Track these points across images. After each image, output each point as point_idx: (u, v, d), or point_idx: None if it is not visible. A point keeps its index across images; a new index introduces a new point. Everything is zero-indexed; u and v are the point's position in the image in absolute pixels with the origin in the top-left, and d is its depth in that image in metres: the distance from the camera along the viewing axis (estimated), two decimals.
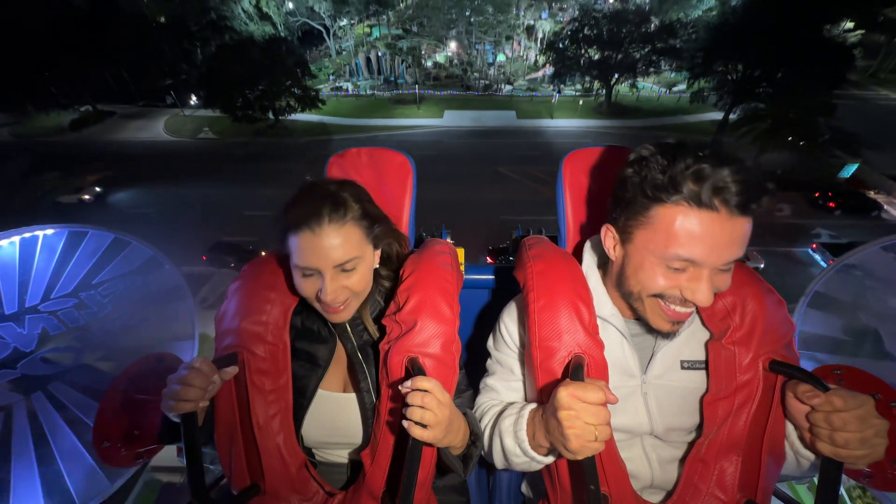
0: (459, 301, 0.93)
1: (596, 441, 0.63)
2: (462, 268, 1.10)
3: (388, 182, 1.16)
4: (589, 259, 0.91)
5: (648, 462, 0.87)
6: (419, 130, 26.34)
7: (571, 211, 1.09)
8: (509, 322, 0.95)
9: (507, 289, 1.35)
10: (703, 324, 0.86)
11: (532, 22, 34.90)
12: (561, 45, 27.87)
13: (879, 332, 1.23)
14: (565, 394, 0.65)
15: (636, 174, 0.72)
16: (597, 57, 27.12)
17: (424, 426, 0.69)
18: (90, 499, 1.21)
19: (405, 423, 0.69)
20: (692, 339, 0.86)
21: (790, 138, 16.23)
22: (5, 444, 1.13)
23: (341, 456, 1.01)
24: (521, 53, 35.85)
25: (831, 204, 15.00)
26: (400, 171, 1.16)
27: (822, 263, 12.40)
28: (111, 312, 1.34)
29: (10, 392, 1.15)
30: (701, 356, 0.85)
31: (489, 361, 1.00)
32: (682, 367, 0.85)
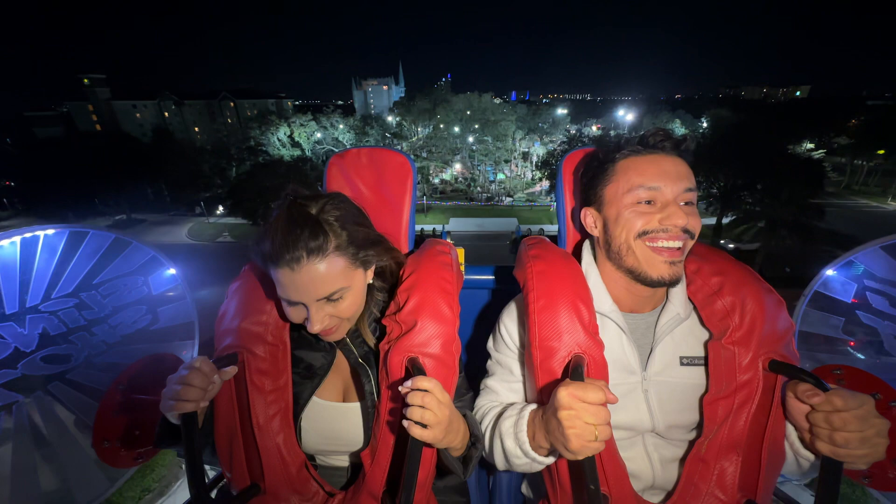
0: (459, 301, 0.93)
1: (596, 441, 0.63)
2: (462, 268, 1.10)
3: (388, 182, 1.16)
4: (588, 257, 0.93)
5: (650, 461, 0.87)
6: (425, 234, 28.60)
7: (572, 211, 1.09)
8: (509, 323, 0.95)
9: (507, 289, 1.35)
10: (702, 323, 0.86)
11: (527, 149, 40.18)
12: (553, 163, 31.05)
13: (879, 332, 1.23)
14: (565, 394, 0.65)
15: (593, 157, 0.92)
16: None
17: (424, 426, 0.69)
18: (90, 499, 1.21)
19: (405, 423, 0.69)
20: (690, 336, 0.87)
21: (787, 240, 17.99)
22: (5, 444, 1.13)
23: (341, 460, 1.01)
24: (519, 173, 40.77)
25: None
26: (400, 171, 1.16)
27: None
28: (111, 312, 1.34)
29: (10, 392, 1.15)
30: (700, 353, 0.85)
31: (489, 362, 1.00)
32: (682, 364, 0.85)
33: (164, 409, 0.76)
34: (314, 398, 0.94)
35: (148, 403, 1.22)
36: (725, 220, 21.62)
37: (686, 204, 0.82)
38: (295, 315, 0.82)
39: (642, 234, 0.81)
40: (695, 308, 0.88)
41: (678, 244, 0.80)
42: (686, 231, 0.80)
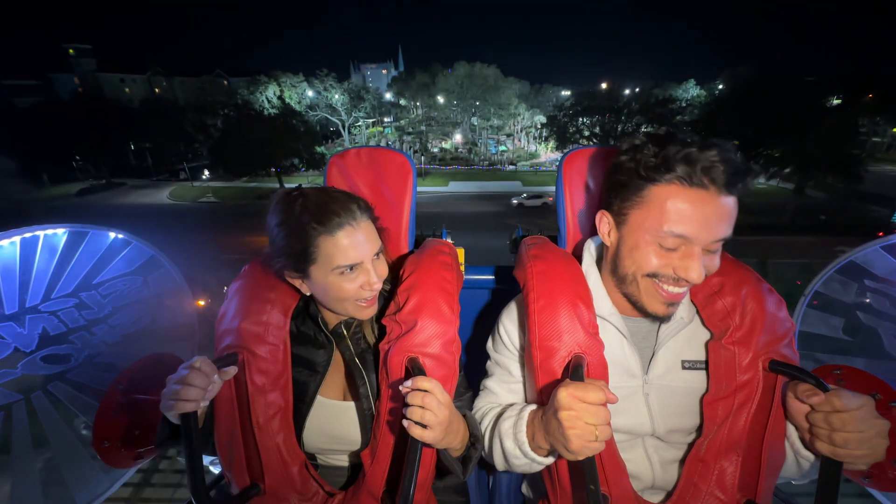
0: (459, 301, 0.93)
1: (596, 441, 0.63)
2: (462, 268, 1.10)
3: (388, 182, 1.16)
4: (588, 258, 0.92)
5: (650, 463, 0.87)
6: (423, 195, 27.52)
7: (571, 211, 1.09)
8: (508, 324, 0.95)
9: (507, 289, 1.35)
10: (704, 324, 0.86)
11: (529, 123, 38.69)
12: (561, 117, 29.94)
13: (879, 332, 1.23)
14: (565, 394, 0.65)
15: (630, 159, 0.77)
16: (597, 129, 29.18)
17: (424, 426, 0.69)
18: (90, 499, 1.21)
19: (405, 423, 0.69)
20: (693, 340, 0.86)
21: (829, 178, 17.24)
22: (5, 443, 1.13)
23: (341, 459, 1.01)
24: (522, 146, 39.24)
25: None
26: (400, 171, 1.16)
27: None
28: (111, 312, 1.34)
29: (10, 392, 1.15)
30: (702, 356, 0.85)
31: (488, 363, 1.00)
32: (684, 367, 0.85)
33: (164, 408, 0.76)
34: (318, 396, 0.94)
35: (148, 403, 1.22)
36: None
37: (712, 252, 0.75)
38: (351, 284, 0.85)
39: (651, 276, 0.77)
40: (696, 309, 0.88)
41: (684, 290, 0.77)
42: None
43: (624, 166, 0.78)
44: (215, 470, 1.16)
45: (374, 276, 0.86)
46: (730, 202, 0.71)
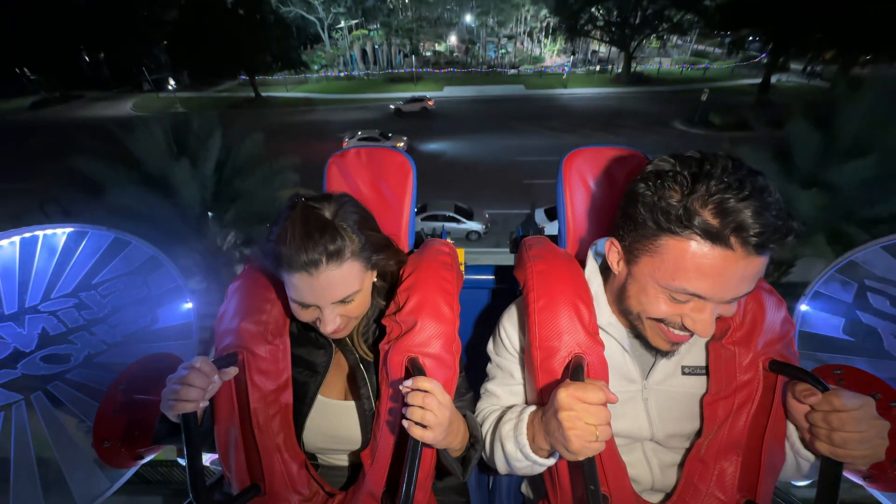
0: (459, 301, 0.93)
1: (597, 441, 0.63)
2: (462, 268, 1.10)
3: (388, 182, 1.16)
4: (592, 264, 0.89)
5: (649, 466, 0.87)
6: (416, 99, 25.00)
7: (571, 211, 1.08)
8: (509, 327, 0.94)
9: (507, 289, 1.35)
10: None
11: (535, 24, 34.54)
12: (571, 2, 25.60)
13: (879, 332, 1.23)
14: (565, 395, 0.65)
15: (651, 193, 0.66)
16: (615, 17, 25.37)
17: (424, 426, 0.69)
18: (90, 499, 1.21)
19: (405, 423, 0.69)
20: (693, 345, 0.85)
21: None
22: (5, 444, 1.13)
23: (342, 459, 1.01)
24: (526, 49, 35.36)
25: None
26: (400, 170, 1.16)
27: None
28: (111, 312, 1.34)
29: (10, 392, 1.15)
30: (702, 362, 0.84)
31: (489, 366, 1.00)
32: (683, 373, 0.84)
33: (164, 408, 0.76)
34: (318, 395, 0.94)
35: (148, 403, 1.22)
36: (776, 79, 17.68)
37: (729, 303, 0.68)
38: (306, 316, 0.82)
39: (658, 320, 0.73)
40: None
41: (689, 334, 0.73)
42: None
43: (640, 201, 0.67)
44: (215, 470, 1.16)
45: (326, 321, 0.79)
46: (757, 262, 0.61)
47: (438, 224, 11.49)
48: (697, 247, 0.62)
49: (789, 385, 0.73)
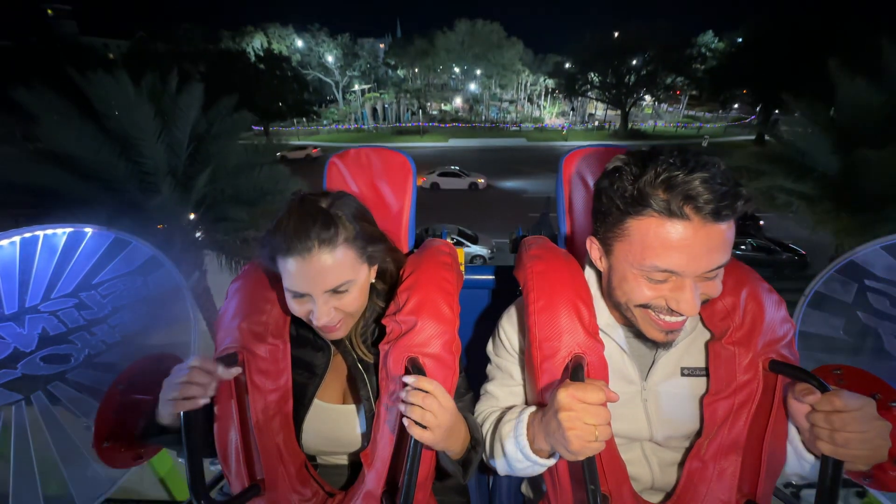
0: (459, 301, 0.93)
1: (596, 441, 0.63)
2: (462, 268, 1.10)
3: (388, 182, 1.16)
4: (590, 267, 0.90)
5: (649, 465, 0.87)
6: (422, 150, 26.60)
7: (571, 211, 1.09)
8: (509, 328, 0.94)
9: (507, 289, 1.35)
10: (705, 325, 0.86)
11: (534, 85, 36.90)
12: (569, 67, 27.96)
13: (879, 332, 1.23)
14: (565, 395, 0.65)
15: (610, 186, 0.72)
16: (609, 79, 27.41)
17: (424, 427, 0.69)
18: (90, 499, 1.21)
19: (405, 422, 0.69)
20: (693, 346, 0.85)
21: None
22: (5, 444, 1.13)
23: (341, 459, 1.01)
24: (526, 113, 37.90)
25: None
26: (400, 171, 1.16)
27: None
28: (111, 312, 1.34)
29: (10, 392, 1.15)
30: (702, 363, 0.84)
31: (489, 367, 1.00)
32: (683, 374, 0.84)
33: (163, 408, 0.76)
34: (315, 400, 0.94)
35: (148, 403, 1.21)
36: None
37: (709, 278, 0.70)
38: (299, 308, 0.82)
39: (644, 306, 0.74)
40: (700, 316, 0.87)
41: (682, 318, 0.73)
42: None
43: (604, 194, 0.73)
44: (215, 470, 1.16)
45: (319, 313, 0.79)
46: (721, 229, 0.65)
47: None
48: (657, 223, 0.66)
49: (790, 385, 0.73)
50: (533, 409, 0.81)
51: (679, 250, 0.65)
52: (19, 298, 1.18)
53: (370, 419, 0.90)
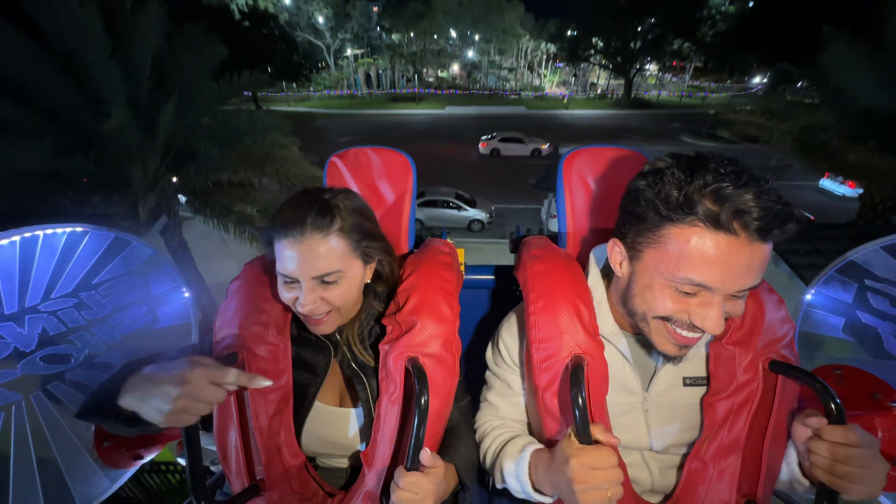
0: (459, 301, 0.93)
1: (609, 502, 0.64)
2: (462, 268, 1.10)
3: (388, 182, 1.16)
4: (594, 272, 0.88)
5: (648, 469, 0.87)
6: (417, 117, 25.60)
7: (571, 211, 1.09)
8: (508, 338, 0.94)
9: (507, 289, 1.35)
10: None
11: (535, 51, 35.18)
12: (572, 31, 26.58)
13: (879, 332, 1.23)
14: (577, 465, 0.64)
15: (650, 188, 0.67)
16: (613, 43, 25.97)
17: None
18: (90, 499, 1.21)
19: None
20: (695, 356, 0.84)
21: None
22: (5, 444, 1.13)
23: (341, 461, 1.01)
24: (526, 82, 36.45)
25: None
26: (400, 170, 1.16)
27: None
28: (111, 312, 1.34)
29: (10, 392, 1.15)
30: (703, 372, 0.84)
31: (488, 374, 1.00)
32: (685, 384, 0.84)
33: (169, 423, 0.68)
34: (315, 402, 0.94)
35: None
36: None
37: (737, 298, 0.67)
38: (288, 294, 0.82)
39: (664, 319, 0.71)
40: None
41: (699, 335, 0.71)
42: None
43: (641, 196, 0.68)
44: (215, 470, 1.16)
45: (304, 299, 0.79)
46: (762, 250, 0.61)
47: (437, 211, 11.33)
48: (700, 234, 0.62)
49: (797, 414, 0.73)
50: (536, 447, 0.81)
51: (718, 265, 0.61)
52: (19, 298, 1.18)
53: (368, 422, 0.90)
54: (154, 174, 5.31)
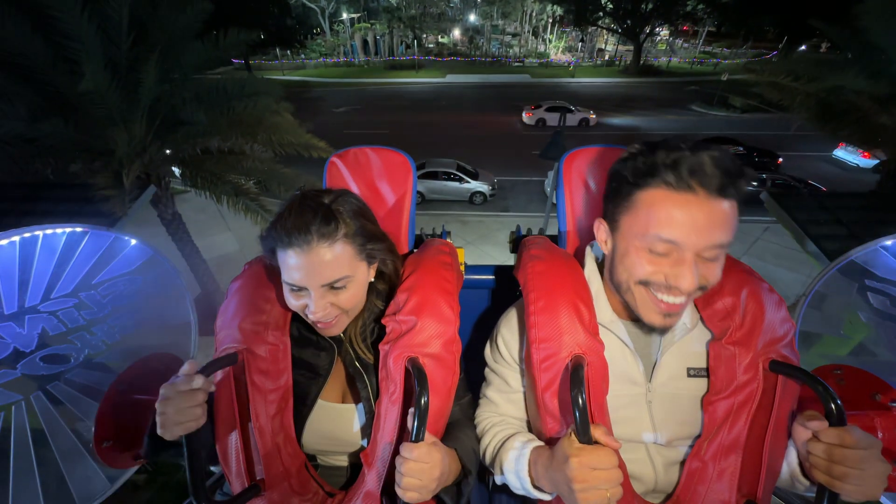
0: (459, 301, 0.93)
1: (608, 502, 0.64)
2: (462, 268, 1.10)
3: (388, 182, 1.16)
4: (591, 264, 0.91)
5: (653, 466, 0.87)
6: (416, 86, 24.74)
7: (571, 211, 1.09)
8: (507, 335, 0.94)
9: (507, 289, 1.35)
10: (705, 325, 0.86)
11: (541, 16, 33.74)
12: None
13: (879, 332, 1.23)
14: (577, 465, 0.65)
15: (623, 167, 0.76)
16: (624, 5, 24.46)
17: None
18: (90, 499, 1.21)
19: (398, 490, 0.70)
20: (697, 346, 0.85)
21: None
22: (5, 444, 1.13)
23: (341, 460, 1.01)
24: (531, 47, 34.90)
25: None
26: (400, 170, 1.16)
27: None
28: (111, 312, 1.34)
29: (10, 392, 1.15)
30: (705, 366, 0.84)
31: (487, 370, 1.00)
32: (689, 375, 0.84)
33: (167, 433, 0.72)
34: (319, 400, 0.94)
35: (148, 404, 1.21)
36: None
37: (709, 259, 0.71)
38: (296, 301, 0.82)
39: (644, 283, 0.75)
40: (700, 316, 0.87)
41: (680, 300, 0.74)
42: (696, 289, 0.72)
43: (617, 174, 0.78)
44: (215, 470, 1.16)
45: (314, 307, 0.79)
46: (723, 206, 0.68)
47: (438, 183, 10.92)
48: (664, 194, 0.70)
49: (798, 415, 0.73)
50: (536, 444, 0.81)
51: (682, 222, 0.68)
52: (19, 298, 1.18)
53: (370, 419, 0.90)
54: (140, 141, 4.94)
